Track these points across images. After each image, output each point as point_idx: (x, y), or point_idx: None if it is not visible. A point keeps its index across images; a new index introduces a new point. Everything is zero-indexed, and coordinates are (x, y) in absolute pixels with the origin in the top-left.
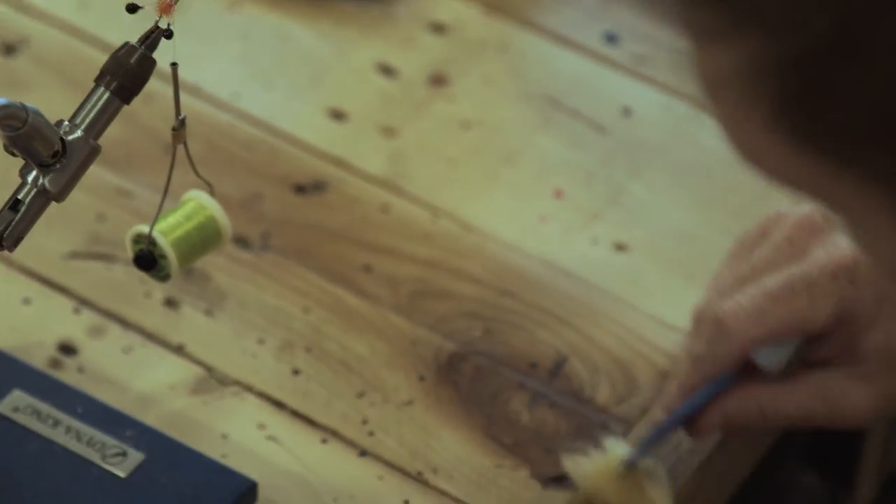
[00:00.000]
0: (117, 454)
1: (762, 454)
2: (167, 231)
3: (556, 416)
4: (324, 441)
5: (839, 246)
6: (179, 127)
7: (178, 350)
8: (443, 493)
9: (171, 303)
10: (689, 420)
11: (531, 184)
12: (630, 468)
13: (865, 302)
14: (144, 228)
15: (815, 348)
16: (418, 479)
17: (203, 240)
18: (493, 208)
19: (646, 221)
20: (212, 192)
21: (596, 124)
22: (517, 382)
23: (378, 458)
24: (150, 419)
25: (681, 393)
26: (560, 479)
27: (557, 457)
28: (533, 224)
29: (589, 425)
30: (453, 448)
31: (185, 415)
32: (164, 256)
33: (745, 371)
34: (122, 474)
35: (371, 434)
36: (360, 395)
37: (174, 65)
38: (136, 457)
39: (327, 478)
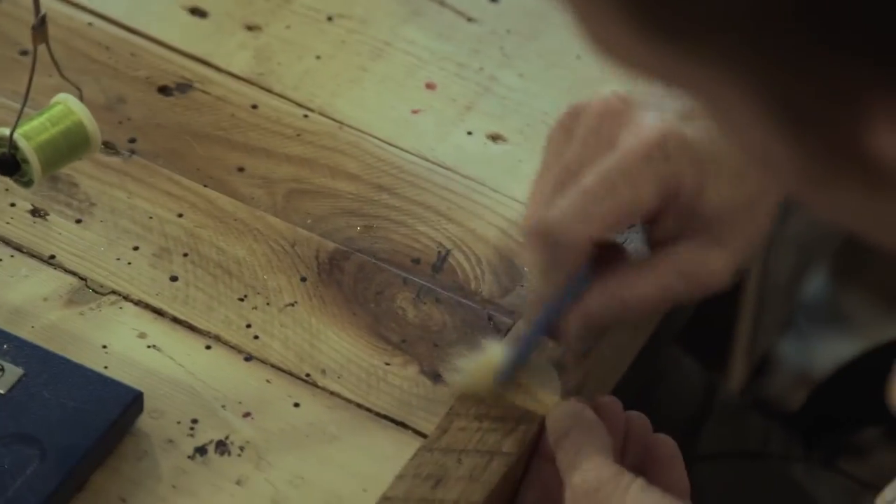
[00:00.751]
0: None
1: (643, 343)
2: (31, 135)
3: (442, 310)
4: (208, 347)
5: (644, 126)
6: (39, 25)
7: (50, 261)
8: (333, 393)
9: (38, 212)
10: (553, 328)
11: (401, 77)
12: (504, 381)
13: (685, 171)
14: (5, 131)
15: (656, 230)
16: (307, 381)
17: (70, 146)
18: (364, 103)
19: (519, 110)
20: (81, 97)
21: (464, 13)
22: (401, 279)
23: (264, 362)
24: (24, 333)
25: (536, 307)
26: (449, 374)
27: (446, 352)
28: (406, 118)
29: (475, 318)
30: (340, 348)
31: (62, 327)
32: (26, 161)
33: (598, 267)
34: (1, 390)
35: (256, 338)
36: (242, 298)
37: None
38: (14, 372)
39: (214, 384)
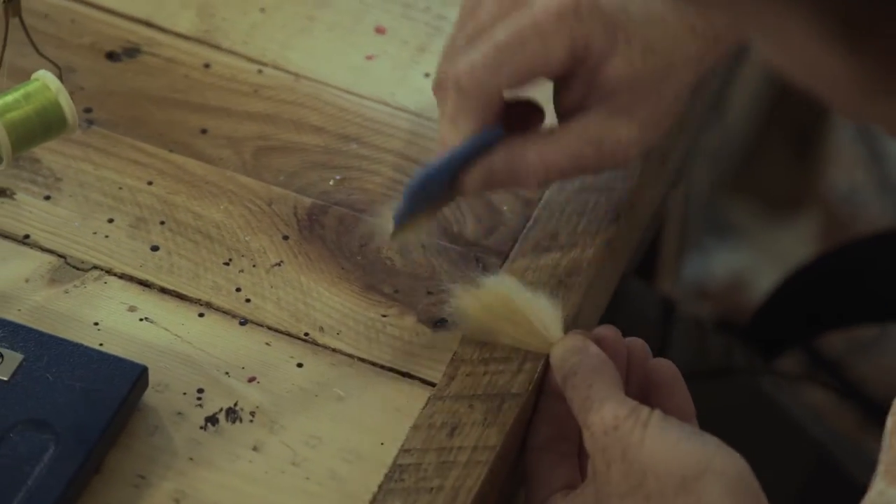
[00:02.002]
0: None
1: (630, 260)
2: (2, 111)
3: (429, 257)
4: (201, 315)
5: None
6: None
7: (25, 241)
8: (335, 350)
9: (4, 193)
10: (454, 179)
11: (350, 23)
12: (398, 225)
13: (596, 34)
14: None
15: (564, 95)
16: (306, 340)
17: (43, 124)
18: (317, 53)
19: None
20: (60, 75)
21: None
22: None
23: (261, 325)
24: (12, 317)
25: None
26: (446, 320)
27: (440, 298)
28: (361, 64)
29: (463, 261)
30: (334, 304)
31: (49, 307)
32: None
33: (510, 129)
34: (3, 377)
35: (248, 301)
36: (227, 262)
37: None
38: (14, 357)
39: (213, 352)
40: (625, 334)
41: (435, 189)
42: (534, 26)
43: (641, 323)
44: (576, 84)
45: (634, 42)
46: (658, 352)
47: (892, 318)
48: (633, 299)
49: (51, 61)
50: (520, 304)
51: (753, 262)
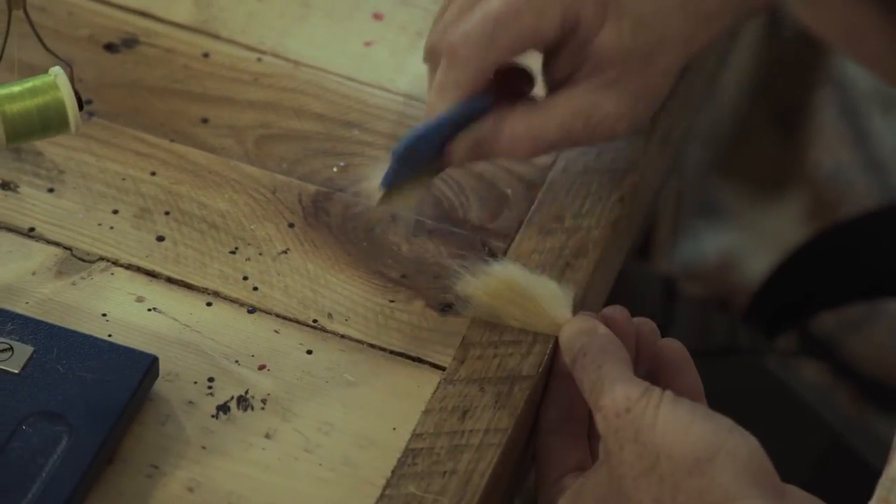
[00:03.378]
0: (3, 350)
1: (634, 240)
2: (5, 99)
3: (436, 241)
4: (209, 304)
5: None
6: None
7: (30, 233)
8: (344, 336)
9: (7, 186)
10: (442, 147)
11: (348, 10)
12: (385, 188)
13: (587, 6)
14: None
15: (554, 67)
16: (315, 327)
17: (43, 121)
18: (315, 40)
19: None
20: (71, 74)
21: None
22: (388, 214)
23: (269, 312)
24: (20, 309)
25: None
26: (454, 305)
27: (447, 282)
28: (360, 51)
29: (469, 245)
30: (342, 290)
31: (57, 299)
32: None
33: (500, 99)
34: (14, 370)
35: (256, 289)
36: (234, 251)
37: None
38: (24, 350)
39: (223, 340)
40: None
41: (422, 154)
42: None
43: (643, 303)
44: (566, 56)
45: (625, 16)
46: (661, 332)
47: (883, 295)
48: (633, 280)
49: (60, 59)
50: (527, 287)
51: (743, 242)
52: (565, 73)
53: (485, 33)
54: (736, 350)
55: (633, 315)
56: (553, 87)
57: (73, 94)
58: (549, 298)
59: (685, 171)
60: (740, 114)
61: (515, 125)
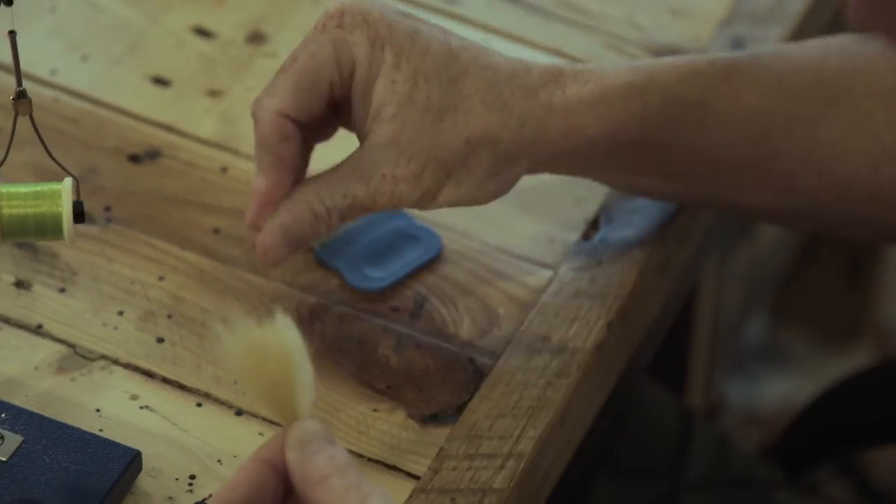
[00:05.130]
0: None
1: (626, 365)
2: (5, 202)
3: (424, 355)
4: (199, 405)
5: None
6: (19, 97)
7: (37, 330)
8: None
9: (21, 284)
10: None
11: None
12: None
13: (358, 42)
14: None
15: (352, 119)
16: None
17: (38, 229)
18: (329, 159)
19: None
20: (77, 187)
21: None
22: (381, 327)
23: (256, 416)
24: (19, 402)
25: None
26: (436, 416)
27: (430, 395)
28: None
29: (456, 361)
30: (328, 397)
31: (55, 394)
32: None
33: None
34: (3, 458)
35: (245, 393)
36: None
37: (12, 33)
38: (13, 439)
39: (208, 440)
40: (640, 438)
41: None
42: (302, 42)
43: (658, 429)
44: (356, 105)
45: (403, 65)
46: (674, 460)
47: None
48: (651, 405)
49: (65, 170)
50: (293, 362)
51: (806, 389)
52: (361, 125)
53: (270, 85)
54: (751, 483)
55: (645, 438)
56: (359, 141)
57: (71, 207)
58: (303, 387)
59: (722, 308)
60: (797, 256)
61: (313, 203)
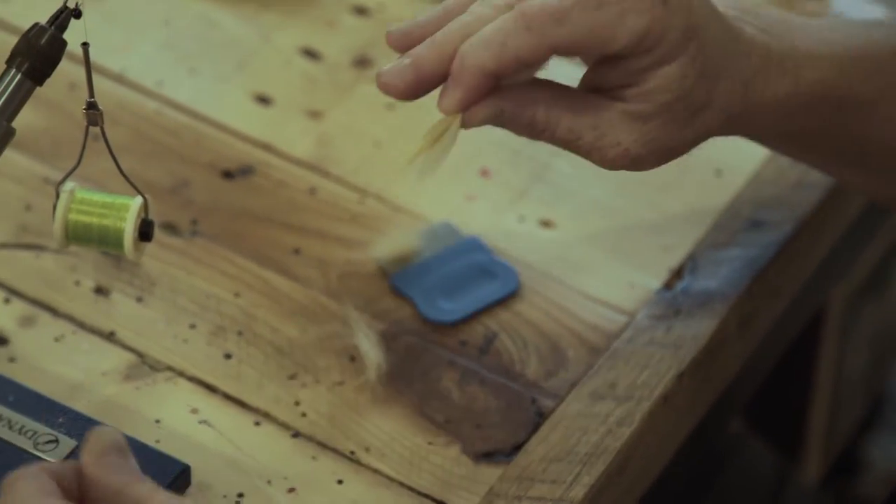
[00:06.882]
0: (49, 441)
1: (699, 419)
2: (76, 206)
3: (486, 392)
4: (257, 423)
5: None
6: (89, 108)
7: (110, 337)
8: (376, 471)
9: (101, 290)
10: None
11: (458, 163)
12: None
13: (674, 30)
14: (71, 185)
15: (604, 71)
16: (351, 458)
17: (101, 240)
18: (420, 189)
19: (570, 198)
20: (146, 205)
21: None
22: (447, 360)
23: (311, 439)
24: (82, 407)
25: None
26: (491, 455)
27: (488, 432)
28: (460, 203)
29: (519, 401)
30: (385, 426)
31: (118, 401)
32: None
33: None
34: (54, 461)
35: (304, 415)
36: (292, 377)
37: (85, 45)
38: (67, 443)
39: (261, 459)
40: (731, 489)
41: None
42: None
43: (751, 481)
44: (618, 67)
45: (698, 59)
46: None
47: None
48: (742, 453)
49: (135, 188)
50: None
51: None
52: (608, 82)
53: (562, 9)
54: None
55: (737, 489)
56: (587, 85)
57: (137, 224)
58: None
59: (847, 366)
60: None
61: (537, 111)
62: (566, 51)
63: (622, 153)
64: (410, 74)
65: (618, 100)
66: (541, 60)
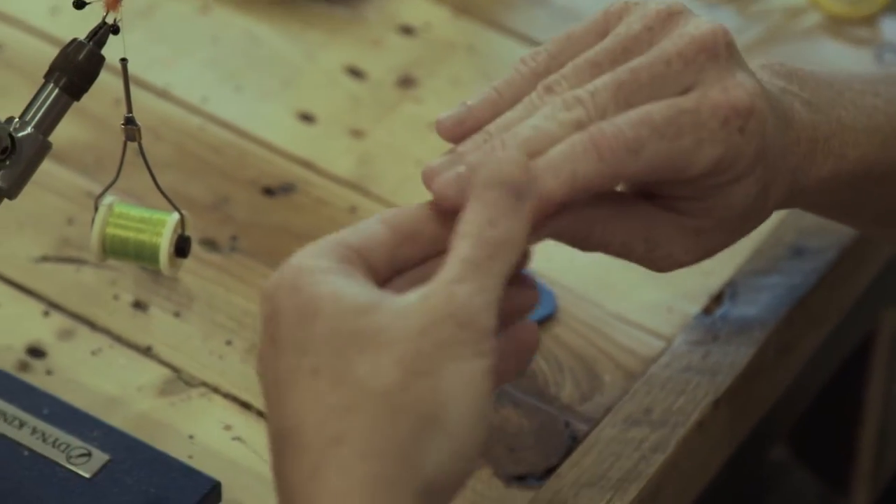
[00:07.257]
0: (82, 455)
1: (737, 446)
2: (114, 220)
3: (520, 414)
4: None
5: (738, 84)
6: (127, 123)
7: (147, 352)
8: None
9: (139, 305)
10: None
11: None
12: None
13: (747, 156)
14: (111, 199)
15: (657, 186)
16: None
17: (137, 254)
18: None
19: None
20: (183, 220)
21: None
22: None
23: None
24: (117, 421)
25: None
26: (523, 478)
27: (520, 455)
28: None
29: (552, 424)
30: None
31: (152, 416)
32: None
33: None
34: (86, 474)
35: None
36: None
37: (124, 60)
38: (100, 457)
39: None
40: None
41: None
42: (694, 121)
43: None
44: (682, 186)
45: (760, 181)
46: None
47: None
48: (785, 481)
49: (172, 203)
50: None
51: None
52: (666, 192)
53: (637, 140)
54: None
55: None
56: (637, 190)
57: (173, 240)
58: None
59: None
60: None
61: (593, 229)
62: (637, 179)
63: (672, 263)
64: (467, 184)
65: (672, 211)
66: (609, 188)
